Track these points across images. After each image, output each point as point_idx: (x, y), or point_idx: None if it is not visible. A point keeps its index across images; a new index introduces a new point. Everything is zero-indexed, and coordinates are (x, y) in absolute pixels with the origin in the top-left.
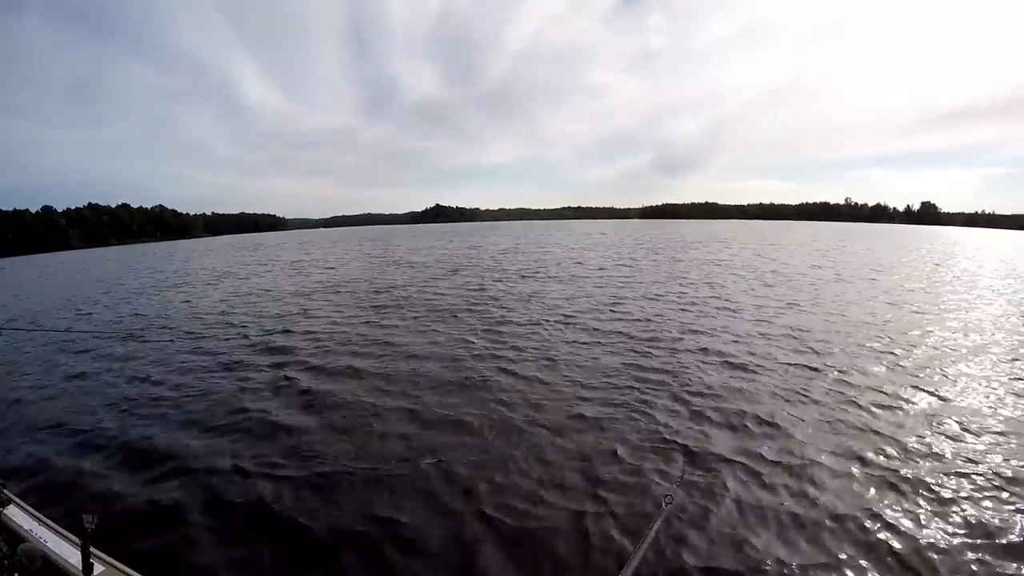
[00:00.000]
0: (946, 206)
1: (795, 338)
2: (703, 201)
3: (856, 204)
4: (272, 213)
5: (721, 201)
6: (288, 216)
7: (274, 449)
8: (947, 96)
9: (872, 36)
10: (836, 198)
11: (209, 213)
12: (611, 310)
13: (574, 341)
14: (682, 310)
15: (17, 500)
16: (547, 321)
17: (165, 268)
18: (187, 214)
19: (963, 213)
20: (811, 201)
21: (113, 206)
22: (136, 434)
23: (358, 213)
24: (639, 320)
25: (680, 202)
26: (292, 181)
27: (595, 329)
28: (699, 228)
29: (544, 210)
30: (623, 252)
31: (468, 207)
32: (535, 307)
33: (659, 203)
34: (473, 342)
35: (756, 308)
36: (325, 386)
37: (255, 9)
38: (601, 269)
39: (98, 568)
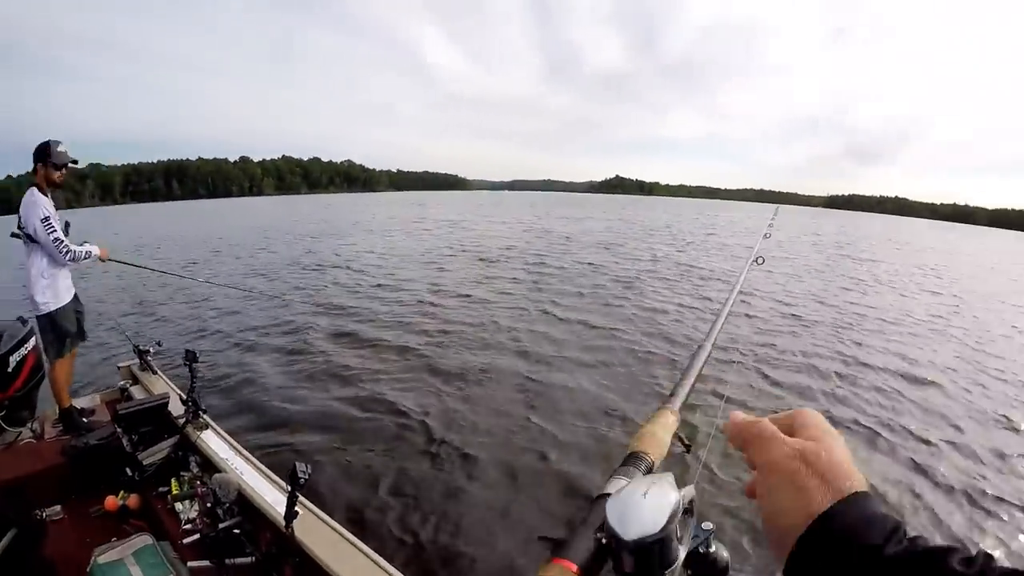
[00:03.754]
0: None
1: None
2: (892, 195)
3: None
4: (454, 173)
5: (911, 197)
6: (469, 177)
7: None
8: None
9: None
10: None
11: (394, 170)
12: None
13: None
14: None
15: (216, 427)
16: None
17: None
18: (373, 169)
19: None
20: (1010, 208)
21: (305, 159)
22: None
23: (538, 179)
24: None
25: (868, 194)
26: (474, 143)
27: None
28: (894, 230)
29: (725, 190)
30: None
31: (647, 180)
32: None
33: (846, 192)
34: None
35: None
36: None
37: None
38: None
39: (299, 513)
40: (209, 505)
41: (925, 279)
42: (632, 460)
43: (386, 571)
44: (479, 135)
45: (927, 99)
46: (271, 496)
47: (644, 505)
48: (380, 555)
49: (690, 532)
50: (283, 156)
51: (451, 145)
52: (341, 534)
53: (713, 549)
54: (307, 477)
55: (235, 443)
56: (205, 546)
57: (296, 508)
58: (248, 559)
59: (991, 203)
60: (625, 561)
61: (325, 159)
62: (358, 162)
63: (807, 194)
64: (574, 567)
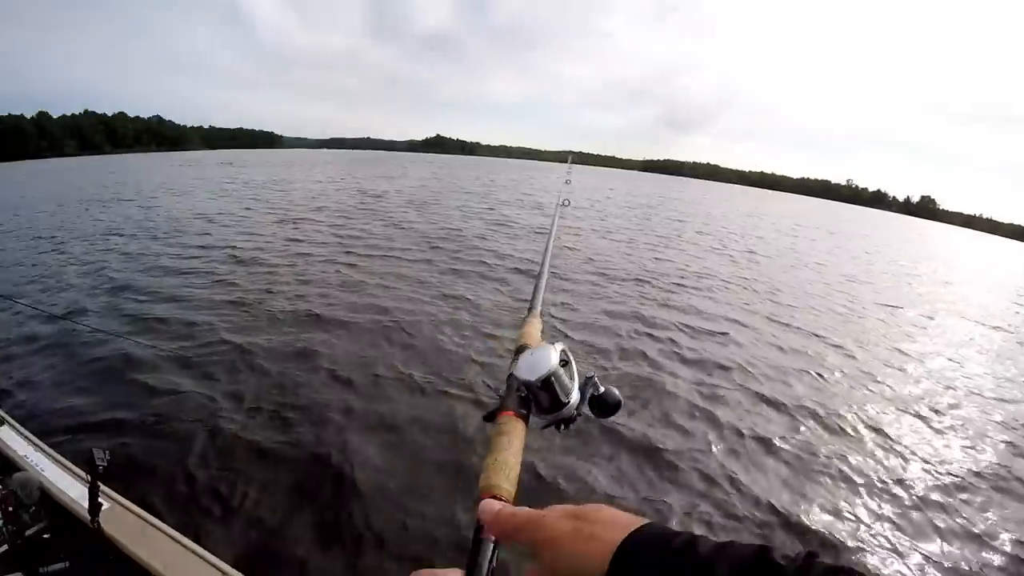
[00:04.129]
0: (947, 204)
1: None
2: (705, 161)
3: (858, 187)
4: (270, 130)
5: (722, 164)
6: (287, 135)
7: None
8: (980, 96)
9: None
10: (837, 178)
11: (207, 127)
12: None
13: None
14: None
15: (12, 421)
16: None
17: None
18: (184, 126)
19: (961, 213)
20: (812, 177)
21: (110, 114)
22: None
23: (357, 137)
24: None
25: (683, 159)
26: (292, 99)
27: None
28: (705, 194)
29: (546, 151)
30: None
31: (468, 140)
32: None
33: (661, 158)
34: None
35: None
36: None
37: None
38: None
39: (104, 505)
40: (11, 510)
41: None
42: (521, 349)
43: (201, 557)
44: (299, 91)
45: (738, 77)
46: (75, 491)
47: (535, 356)
48: (195, 538)
49: (575, 376)
50: (85, 111)
51: (268, 100)
52: (151, 522)
53: (603, 390)
54: (106, 464)
55: (34, 438)
56: (10, 559)
57: (100, 500)
58: (62, 565)
59: (795, 173)
60: (540, 397)
61: (132, 114)
62: (167, 118)
63: (625, 158)
64: (512, 412)
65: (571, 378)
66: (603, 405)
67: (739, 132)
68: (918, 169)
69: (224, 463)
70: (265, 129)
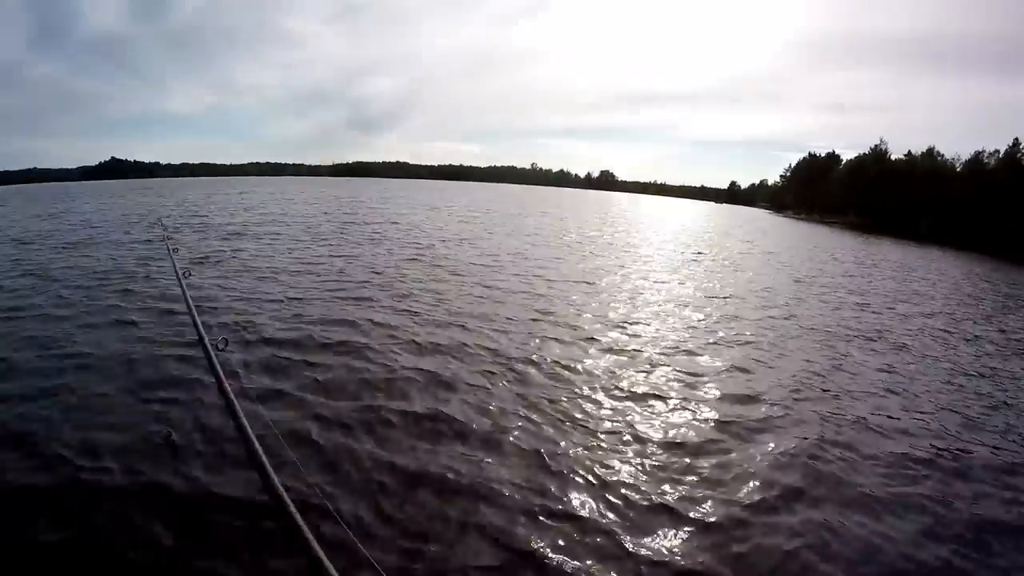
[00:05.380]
0: (623, 176)
1: None
2: (395, 160)
3: (542, 169)
4: None
5: (412, 161)
6: None
7: None
8: (634, 83)
9: (565, 23)
10: (523, 163)
11: None
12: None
13: None
14: None
15: None
16: None
17: None
18: None
19: (637, 182)
20: (500, 164)
21: None
22: None
23: (18, 169)
24: None
25: (374, 160)
26: None
27: None
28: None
29: (231, 165)
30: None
31: (147, 161)
32: None
33: (350, 160)
34: None
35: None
36: None
37: None
38: None
39: None
40: None
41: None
42: None
43: None
44: None
45: (419, 78)
46: None
47: None
48: None
49: None
50: None
51: None
52: None
53: None
54: None
55: None
56: None
57: None
58: None
59: (481, 163)
60: None
61: None
62: None
63: (315, 164)
64: None
65: None
66: None
67: (424, 130)
68: (598, 148)
69: None
70: None
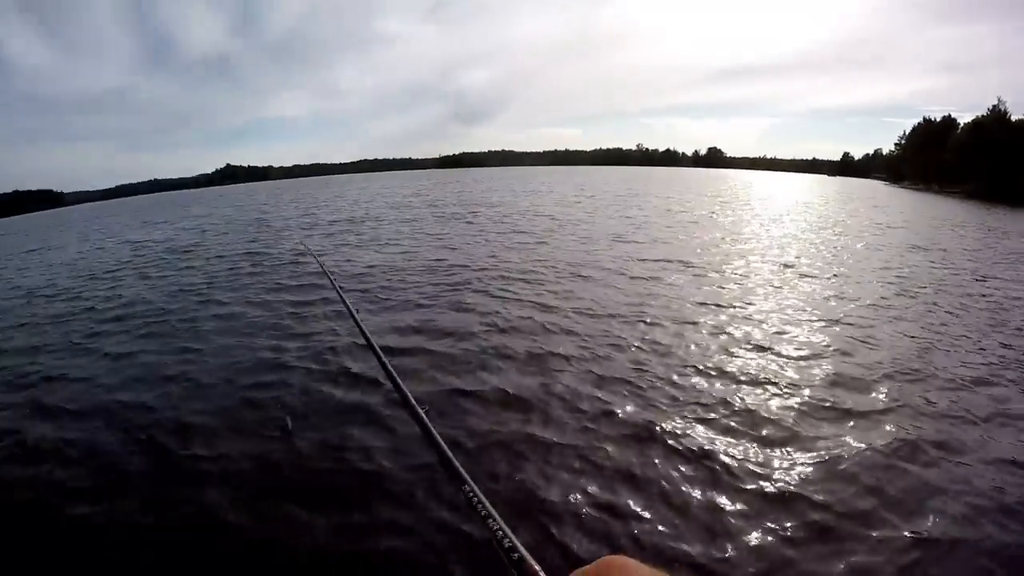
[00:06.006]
0: (731, 151)
1: None
2: (500, 149)
3: (648, 150)
4: (48, 188)
5: (517, 149)
6: (68, 190)
7: None
8: (734, 56)
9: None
10: (628, 144)
11: None
12: None
13: None
14: None
15: None
16: None
17: None
18: None
19: (747, 157)
20: (605, 147)
21: None
22: None
23: (143, 180)
24: None
25: (477, 150)
26: (70, 148)
27: None
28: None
29: (339, 164)
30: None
31: (260, 165)
32: None
33: (456, 152)
34: None
35: None
36: None
37: None
38: None
39: None
40: None
41: None
42: None
43: None
44: (72, 138)
45: (514, 66)
46: None
47: None
48: None
49: None
50: None
51: (44, 154)
52: None
53: None
54: None
55: None
56: None
57: None
58: None
59: (586, 147)
60: None
61: None
62: None
63: (420, 158)
64: None
65: None
66: None
67: (525, 117)
68: (703, 127)
69: None
70: (44, 188)
